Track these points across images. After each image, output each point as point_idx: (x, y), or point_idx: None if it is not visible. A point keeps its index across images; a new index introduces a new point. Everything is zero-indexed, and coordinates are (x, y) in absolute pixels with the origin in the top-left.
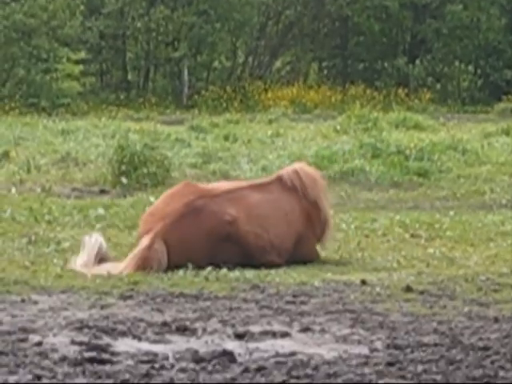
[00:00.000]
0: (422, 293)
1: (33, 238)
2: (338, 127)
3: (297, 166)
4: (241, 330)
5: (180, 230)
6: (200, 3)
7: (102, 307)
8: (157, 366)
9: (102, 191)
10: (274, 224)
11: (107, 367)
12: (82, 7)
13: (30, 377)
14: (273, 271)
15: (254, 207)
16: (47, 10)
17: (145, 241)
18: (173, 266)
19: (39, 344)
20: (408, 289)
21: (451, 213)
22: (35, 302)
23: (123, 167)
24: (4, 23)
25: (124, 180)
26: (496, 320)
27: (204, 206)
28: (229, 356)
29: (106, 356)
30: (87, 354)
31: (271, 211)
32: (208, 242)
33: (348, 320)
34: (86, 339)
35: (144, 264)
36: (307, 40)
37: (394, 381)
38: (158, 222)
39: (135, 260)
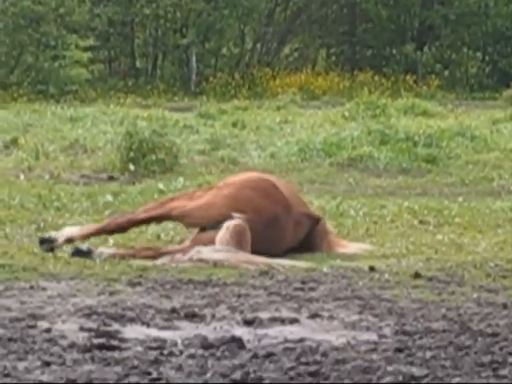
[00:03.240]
0: (430, 279)
1: (41, 224)
2: (347, 114)
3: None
4: (249, 316)
5: (257, 235)
6: None
7: (111, 294)
8: (165, 352)
9: (111, 178)
10: None
11: (116, 353)
12: None
13: (38, 363)
14: (282, 257)
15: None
16: None
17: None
18: None
19: (48, 330)
20: (416, 275)
21: (460, 199)
22: (44, 289)
23: (131, 154)
24: (12, 10)
25: (132, 167)
26: (505, 306)
27: (285, 224)
28: (237, 342)
29: (114, 342)
30: (96, 341)
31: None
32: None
33: (356, 306)
34: (94, 326)
35: (241, 242)
36: (315, 26)
37: (402, 367)
38: (243, 211)
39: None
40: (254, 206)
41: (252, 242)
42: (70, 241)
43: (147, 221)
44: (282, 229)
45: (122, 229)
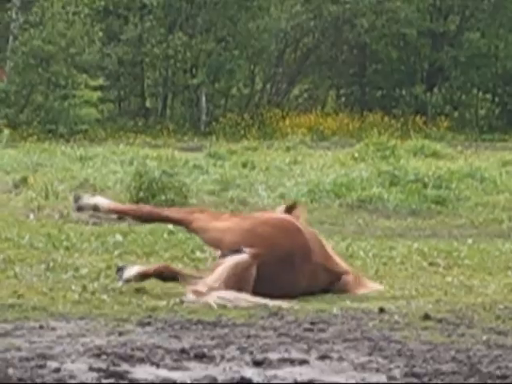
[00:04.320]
0: (440, 321)
1: (51, 264)
2: (356, 155)
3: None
4: (259, 357)
5: (268, 271)
6: (218, 30)
7: (120, 334)
8: None
9: (120, 218)
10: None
11: None
12: (100, 34)
13: None
14: (292, 299)
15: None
16: (66, 37)
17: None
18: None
19: (57, 370)
20: (426, 317)
21: (469, 241)
22: (53, 329)
23: (141, 194)
24: (22, 49)
25: None
26: None
27: (300, 268)
28: (247, 383)
29: (124, 383)
30: (105, 381)
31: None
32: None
33: (366, 348)
34: (104, 366)
35: (238, 280)
36: (325, 67)
37: None
38: (261, 247)
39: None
40: (269, 242)
41: (262, 278)
42: (96, 209)
43: (168, 220)
44: (295, 271)
45: (143, 219)
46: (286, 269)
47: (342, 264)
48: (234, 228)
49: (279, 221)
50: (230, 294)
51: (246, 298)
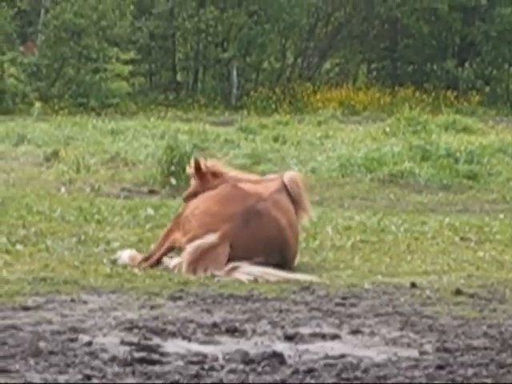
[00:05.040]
0: (471, 296)
1: (82, 237)
2: (388, 129)
3: (291, 174)
4: (290, 331)
5: (245, 235)
6: (250, 4)
7: (152, 308)
8: (206, 367)
9: (151, 191)
10: (296, 231)
11: (157, 368)
12: (131, 7)
13: (79, 377)
14: (323, 273)
15: (288, 213)
16: (97, 10)
17: (211, 238)
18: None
19: (89, 344)
20: (458, 292)
21: (501, 216)
22: (85, 302)
23: (172, 168)
24: (54, 23)
25: (173, 180)
26: None
27: (265, 211)
28: (278, 358)
29: (155, 356)
30: (137, 355)
31: (293, 217)
32: (266, 248)
33: (398, 323)
34: (135, 340)
35: (203, 260)
36: (356, 42)
37: None
38: (220, 224)
39: (197, 254)
40: (225, 216)
41: (247, 243)
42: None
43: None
44: (268, 217)
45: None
46: (256, 220)
47: None
48: (197, 223)
49: (220, 194)
50: (258, 269)
51: (274, 273)
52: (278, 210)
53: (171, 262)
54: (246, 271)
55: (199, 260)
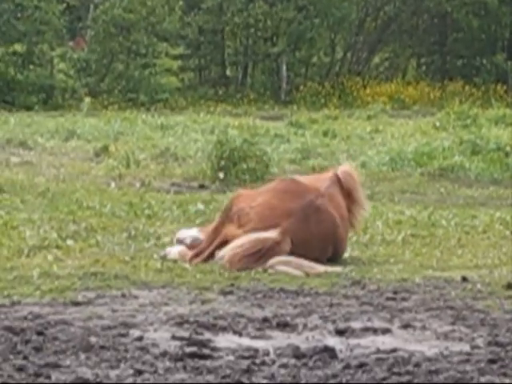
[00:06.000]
0: None
1: (133, 232)
2: (437, 123)
3: (346, 168)
4: (341, 326)
5: (304, 231)
6: None
7: (203, 302)
8: (258, 361)
9: (201, 186)
10: (346, 225)
11: (208, 362)
12: (181, 2)
13: (131, 371)
14: (374, 268)
15: (340, 208)
16: (146, 6)
17: (272, 234)
18: None
19: (140, 339)
20: (509, 286)
21: None
22: (135, 297)
23: (222, 162)
24: (103, 18)
25: (223, 175)
26: None
27: (323, 207)
28: (330, 352)
29: (206, 351)
30: (188, 349)
31: (345, 212)
32: (321, 244)
33: (449, 317)
34: (186, 334)
35: (266, 256)
36: (406, 36)
37: (495, 378)
38: (280, 218)
39: (259, 247)
40: (284, 211)
41: (305, 238)
42: None
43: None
44: (326, 213)
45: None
46: (316, 215)
47: None
48: (257, 216)
49: (279, 189)
50: (293, 261)
51: (309, 265)
52: (333, 206)
53: (219, 253)
54: (280, 260)
55: (257, 254)
